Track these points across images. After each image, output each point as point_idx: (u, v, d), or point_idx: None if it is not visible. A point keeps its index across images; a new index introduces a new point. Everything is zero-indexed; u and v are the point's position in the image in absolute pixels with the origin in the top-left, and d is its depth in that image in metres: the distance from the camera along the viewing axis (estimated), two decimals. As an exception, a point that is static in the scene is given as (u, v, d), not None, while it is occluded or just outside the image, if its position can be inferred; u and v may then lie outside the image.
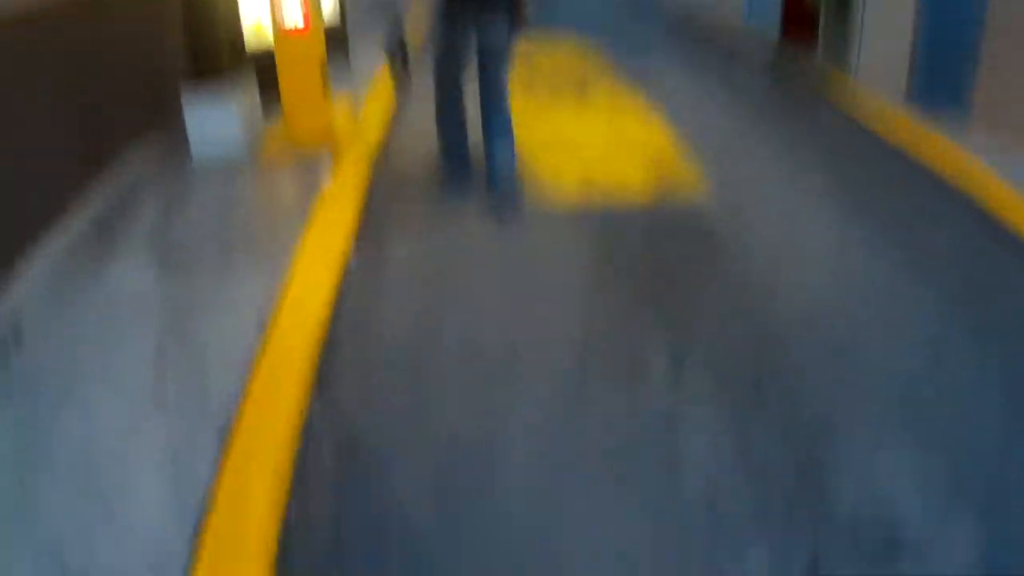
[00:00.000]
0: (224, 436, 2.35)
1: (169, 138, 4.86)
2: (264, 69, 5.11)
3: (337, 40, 7.04)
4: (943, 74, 5.35)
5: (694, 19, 9.85)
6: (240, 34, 5.59)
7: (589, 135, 5.19)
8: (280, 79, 4.90)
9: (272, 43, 4.94)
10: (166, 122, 4.92)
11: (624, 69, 6.96)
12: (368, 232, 3.81)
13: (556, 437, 2.46)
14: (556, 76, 6.77)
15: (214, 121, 4.73)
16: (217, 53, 5.00)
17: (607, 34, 8.66)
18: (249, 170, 4.57)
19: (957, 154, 4.62)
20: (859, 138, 5.13)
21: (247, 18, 5.69)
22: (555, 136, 5.15)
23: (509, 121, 4.33)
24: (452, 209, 4.13)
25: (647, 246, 3.69)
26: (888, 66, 5.78)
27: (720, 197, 4.17)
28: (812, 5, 7.04)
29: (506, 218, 4.05)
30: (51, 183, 3.81)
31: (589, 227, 3.86)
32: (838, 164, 4.71)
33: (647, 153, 4.78)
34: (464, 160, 4.39)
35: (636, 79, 6.53)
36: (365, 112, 5.62)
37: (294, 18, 4.89)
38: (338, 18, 7.26)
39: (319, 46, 4.94)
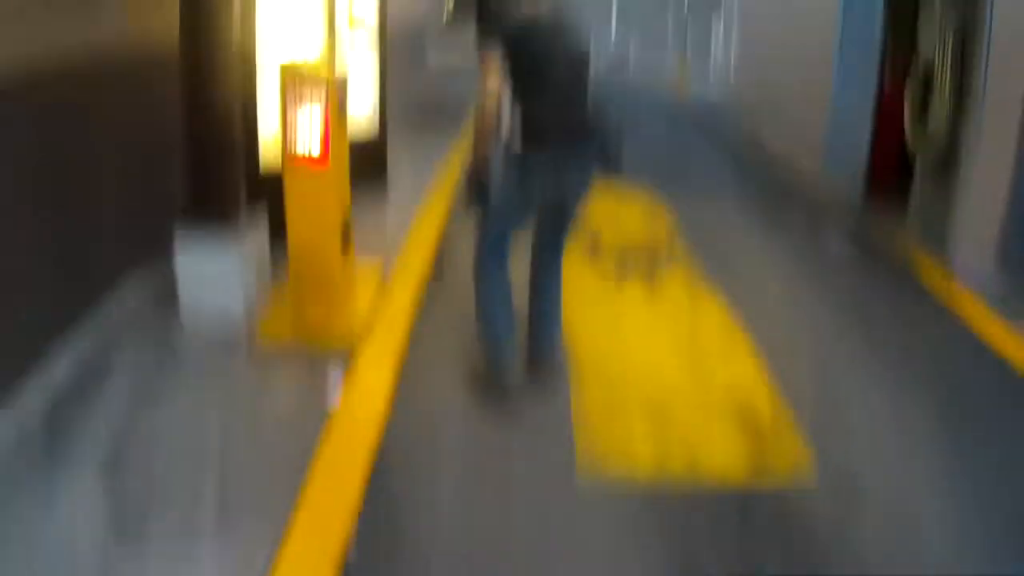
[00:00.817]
0: None
1: (157, 283, 3.97)
2: (281, 195, 3.79)
3: (373, 157, 5.99)
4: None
5: (768, 164, 9.00)
6: (256, 150, 4.56)
7: (662, 356, 4.14)
8: (288, 229, 3.73)
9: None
10: (158, 252, 3.95)
11: (693, 235, 6.07)
12: (379, 495, 2.92)
13: None
14: (621, 242, 5.87)
15: (210, 279, 3.82)
16: (221, 177, 3.91)
17: (676, 181, 7.91)
18: (243, 362, 3.65)
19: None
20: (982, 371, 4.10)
21: (265, 130, 4.62)
22: (619, 348, 4.18)
23: (558, 305, 3.74)
24: (491, 453, 3.26)
25: (735, 552, 2.81)
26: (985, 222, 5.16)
27: (825, 475, 3.20)
28: (914, 149, 6.23)
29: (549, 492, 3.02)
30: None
31: (659, 520, 2.94)
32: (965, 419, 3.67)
33: (735, 398, 3.72)
34: (507, 363, 3.56)
35: (710, 261, 5.53)
36: (395, 281, 4.59)
37: (308, 141, 3.55)
38: (376, 129, 6.12)
39: (341, 185, 3.75)
